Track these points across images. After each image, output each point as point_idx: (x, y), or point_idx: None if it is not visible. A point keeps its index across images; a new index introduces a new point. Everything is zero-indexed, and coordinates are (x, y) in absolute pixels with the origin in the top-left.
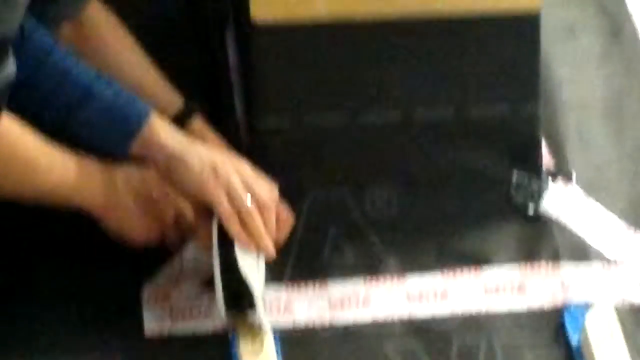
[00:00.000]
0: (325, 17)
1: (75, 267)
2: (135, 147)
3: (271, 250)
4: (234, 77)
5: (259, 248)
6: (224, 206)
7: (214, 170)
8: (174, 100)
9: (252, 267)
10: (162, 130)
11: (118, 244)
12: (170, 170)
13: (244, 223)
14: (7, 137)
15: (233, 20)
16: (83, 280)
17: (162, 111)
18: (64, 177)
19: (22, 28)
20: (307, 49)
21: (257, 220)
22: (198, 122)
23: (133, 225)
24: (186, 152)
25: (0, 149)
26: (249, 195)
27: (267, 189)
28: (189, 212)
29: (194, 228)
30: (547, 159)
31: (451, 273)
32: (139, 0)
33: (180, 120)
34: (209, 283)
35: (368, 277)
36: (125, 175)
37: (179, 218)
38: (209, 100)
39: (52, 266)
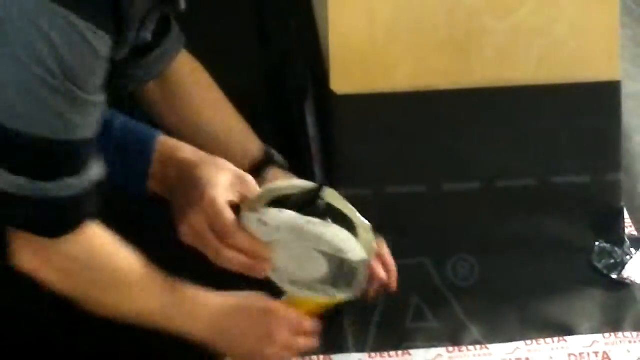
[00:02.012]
0: (405, 88)
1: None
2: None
3: None
4: (314, 147)
5: None
6: None
7: None
8: (258, 147)
9: None
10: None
11: None
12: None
13: None
14: (105, 246)
15: (313, 91)
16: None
17: (245, 158)
18: (162, 300)
19: None
20: (386, 119)
21: None
22: (276, 171)
23: (244, 348)
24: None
25: (98, 258)
26: None
27: None
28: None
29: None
30: (629, 228)
31: (534, 342)
32: (217, 71)
33: (259, 168)
34: None
35: (451, 346)
36: (232, 301)
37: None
38: (290, 171)
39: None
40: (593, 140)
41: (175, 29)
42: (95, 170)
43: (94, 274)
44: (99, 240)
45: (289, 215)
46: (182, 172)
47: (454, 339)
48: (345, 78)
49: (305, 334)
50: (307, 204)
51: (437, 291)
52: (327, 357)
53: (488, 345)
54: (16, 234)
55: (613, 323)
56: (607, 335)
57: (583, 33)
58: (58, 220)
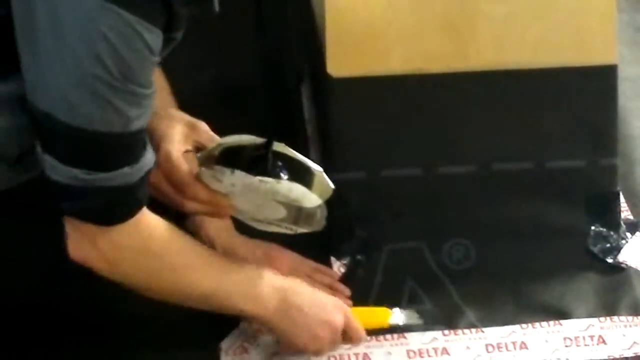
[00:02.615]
0: (400, 71)
1: (158, 318)
2: None
3: None
4: (310, 130)
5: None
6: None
7: None
8: None
9: None
10: None
11: None
12: None
13: None
14: (157, 232)
15: (309, 75)
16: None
17: None
18: (221, 280)
19: None
20: (382, 102)
21: None
22: None
23: (304, 335)
24: None
25: (152, 244)
26: None
27: None
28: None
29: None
30: (625, 212)
31: (530, 325)
32: (215, 56)
33: None
34: None
35: (446, 329)
36: (295, 287)
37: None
38: None
39: (137, 319)
40: (589, 124)
41: None
42: (149, 157)
43: (150, 261)
44: (154, 225)
45: (241, 175)
46: None
47: (450, 323)
48: (342, 61)
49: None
50: (258, 159)
51: (433, 275)
52: None
53: (483, 329)
54: (72, 223)
55: (608, 307)
56: (602, 319)
57: (580, 17)
58: (115, 208)
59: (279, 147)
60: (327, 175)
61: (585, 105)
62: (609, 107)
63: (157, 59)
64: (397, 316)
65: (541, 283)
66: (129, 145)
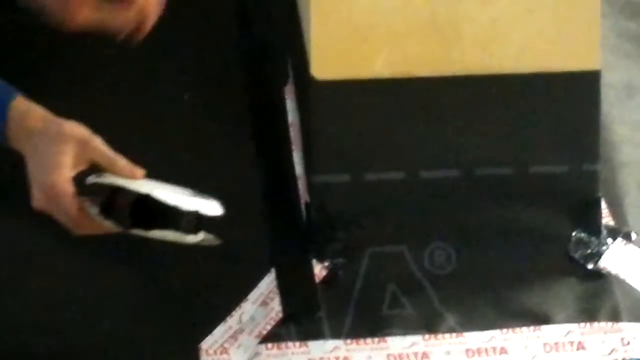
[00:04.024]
0: (384, 75)
1: (135, 320)
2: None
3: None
4: (293, 133)
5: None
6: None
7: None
8: None
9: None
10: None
11: (179, 296)
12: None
13: None
14: None
15: (293, 78)
16: (144, 335)
17: None
18: None
19: None
20: (366, 106)
21: None
22: None
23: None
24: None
25: None
26: None
27: None
28: None
29: None
30: (606, 218)
31: (510, 330)
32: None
33: None
34: (267, 338)
35: (427, 333)
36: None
37: None
38: (267, 157)
39: (116, 318)
40: (572, 130)
41: None
42: None
43: None
44: None
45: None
46: (30, 141)
47: (430, 327)
48: (326, 64)
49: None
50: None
51: (414, 279)
52: (303, 343)
53: (464, 333)
54: None
55: (588, 313)
56: (582, 325)
57: (564, 22)
58: None
59: (155, 192)
60: (309, 178)
61: (568, 110)
62: (592, 113)
63: None
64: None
65: (522, 288)
66: None
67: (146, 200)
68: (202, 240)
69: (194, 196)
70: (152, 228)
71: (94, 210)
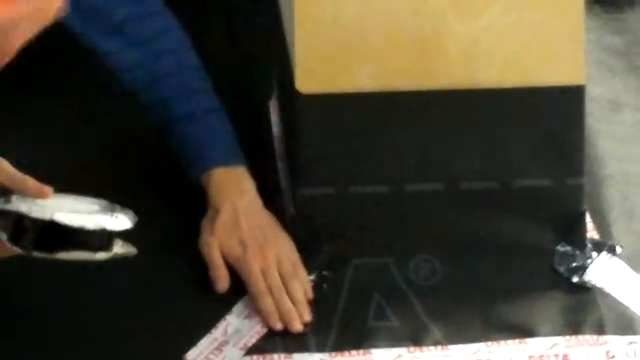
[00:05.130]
0: (369, 89)
1: (120, 330)
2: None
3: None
4: (277, 146)
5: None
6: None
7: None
8: None
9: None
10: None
11: (163, 307)
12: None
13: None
14: None
15: (277, 91)
16: (129, 346)
17: None
18: None
19: None
20: (351, 119)
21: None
22: None
23: None
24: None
25: None
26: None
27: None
28: None
29: None
30: (591, 232)
31: (495, 343)
32: None
33: None
34: (252, 350)
35: (412, 346)
36: None
37: None
38: (252, 169)
39: (100, 329)
40: (556, 144)
41: None
42: None
43: None
44: None
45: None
46: None
47: (415, 339)
48: (310, 78)
49: None
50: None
51: (399, 291)
52: (287, 356)
53: (449, 346)
54: None
55: (573, 326)
56: (567, 337)
57: (548, 37)
58: None
59: (57, 215)
60: (294, 191)
61: (553, 124)
62: (576, 127)
63: None
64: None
65: (507, 301)
66: None
67: (53, 223)
68: (115, 255)
69: (107, 208)
70: (59, 250)
71: (3, 237)
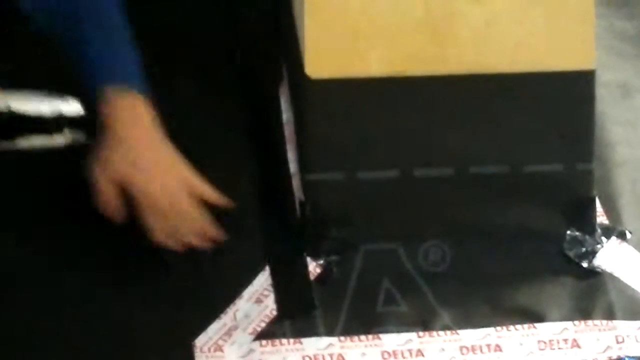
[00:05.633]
0: (379, 74)
1: (129, 317)
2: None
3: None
4: (287, 131)
5: None
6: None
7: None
8: None
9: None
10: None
11: (173, 294)
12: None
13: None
14: None
15: (287, 76)
16: (138, 333)
17: None
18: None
19: None
20: (360, 104)
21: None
22: None
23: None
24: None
25: None
26: None
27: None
28: None
29: None
30: (601, 217)
31: (504, 328)
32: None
33: None
34: (261, 335)
35: (421, 331)
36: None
37: None
38: (262, 155)
39: (105, 317)
40: (566, 129)
41: None
42: None
43: None
44: None
45: None
46: None
47: (425, 324)
48: (320, 63)
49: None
50: None
51: (408, 276)
52: (297, 340)
53: (458, 331)
54: None
55: (583, 311)
56: (577, 322)
57: (559, 22)
58: None
59: (12, 104)
60: (304, 176)
61: (563, 110)
62: (587, 112)
63: None
64: None
65: (516, 286)
66: None
67: (9, 114)
68: (72, 140)
69: (57, 96)
70: (18, 137)
71: None
